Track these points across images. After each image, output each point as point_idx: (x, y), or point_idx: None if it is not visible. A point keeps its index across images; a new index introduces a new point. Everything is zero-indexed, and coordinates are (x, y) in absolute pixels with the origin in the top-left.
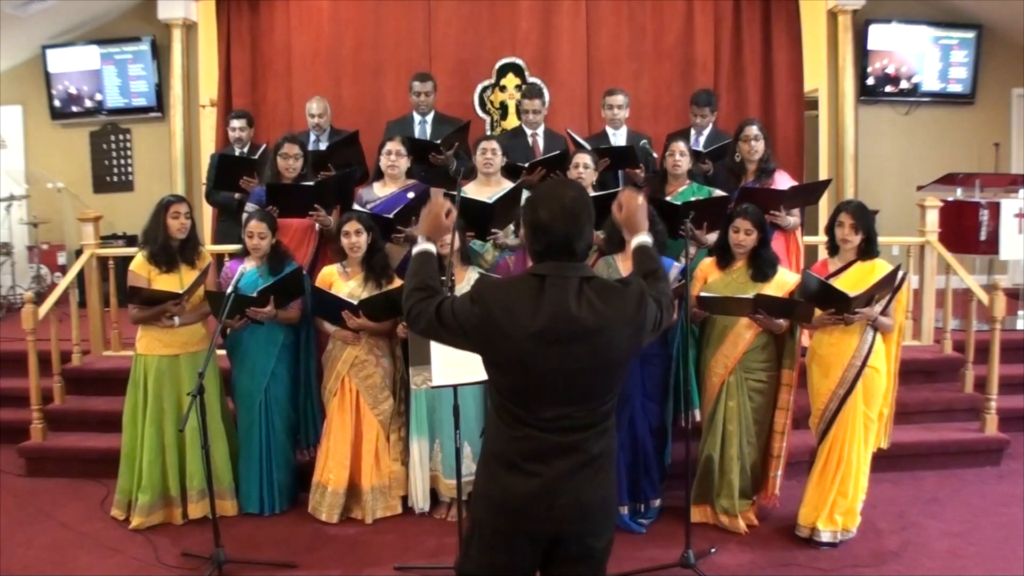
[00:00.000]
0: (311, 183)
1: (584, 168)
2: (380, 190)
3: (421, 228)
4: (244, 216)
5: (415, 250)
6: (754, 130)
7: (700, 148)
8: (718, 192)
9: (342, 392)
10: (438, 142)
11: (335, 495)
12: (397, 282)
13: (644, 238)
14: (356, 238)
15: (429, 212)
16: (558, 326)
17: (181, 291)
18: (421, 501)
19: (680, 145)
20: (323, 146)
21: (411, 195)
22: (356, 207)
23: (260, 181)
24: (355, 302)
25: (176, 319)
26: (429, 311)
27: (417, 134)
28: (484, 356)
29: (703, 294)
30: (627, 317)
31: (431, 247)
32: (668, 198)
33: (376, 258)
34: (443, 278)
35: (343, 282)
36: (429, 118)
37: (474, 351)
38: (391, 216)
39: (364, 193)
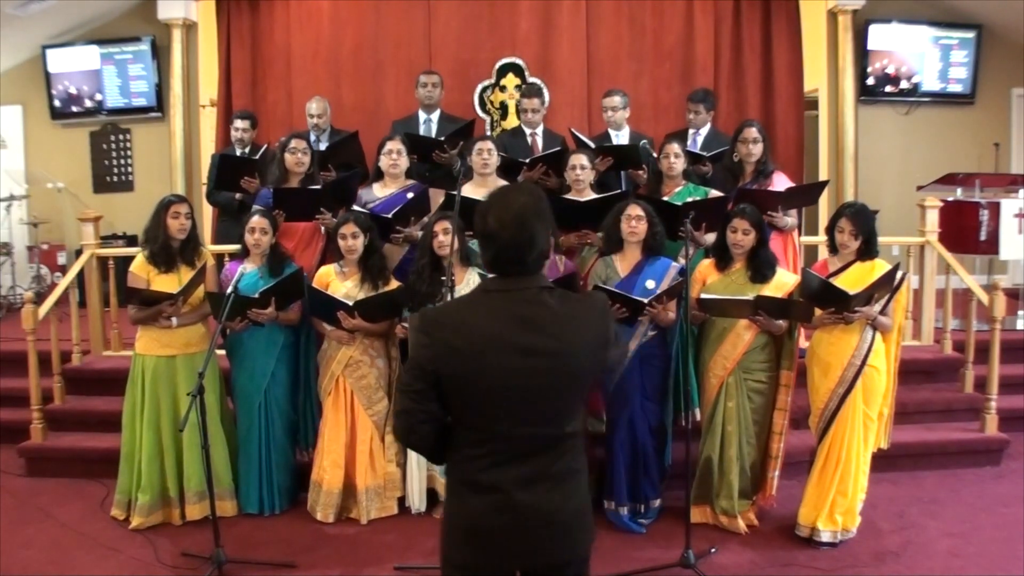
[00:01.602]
0: (317, 187)
1: (581, 168)
2: (380, 191)
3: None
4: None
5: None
6: (753, 132)
7: (697, 148)
8: (715, 192)
9: (336, 392)
10: (442, 139)
11: (329, 494)
12: (394, 283)
13: None
14: (352, 241)
15: None
16: (514, 335)
17: (177, 291)
18: (418, 502)
19: (674, 147)
20: (323, 146)
21: (410, 195)
22: (355, 207)
23: (262, 182)
24: (351, 303)
25: (173, 320)
26: (401, 402)
27: (423, 132)
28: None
29: (703, 296)
30: (591, 328)
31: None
32: (665, 199)
33: (373, 259)
34: (443, 278)
35: (340, 282)
36: (435, 116)
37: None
38: (389, 216)
39: (364, 194)
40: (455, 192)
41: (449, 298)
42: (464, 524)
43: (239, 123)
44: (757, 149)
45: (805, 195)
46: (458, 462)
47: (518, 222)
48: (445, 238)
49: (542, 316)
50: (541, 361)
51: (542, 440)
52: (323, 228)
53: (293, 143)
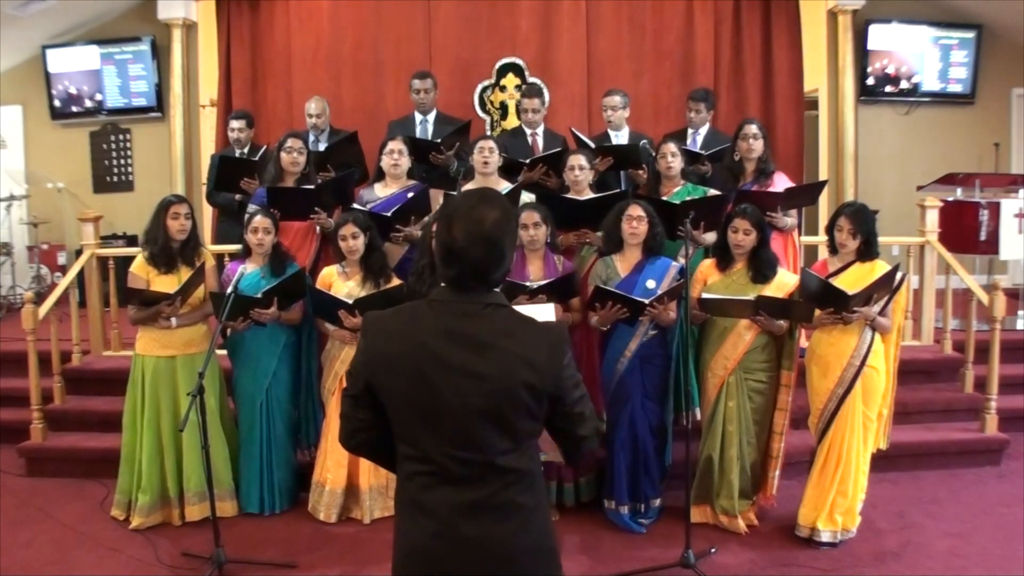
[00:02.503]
0: (311, 186)
1: (579, 169)
2: (381, 190)
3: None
4: (247, 215)
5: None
6: (753, 128)
7: (697, 148)
8: (713, 192)
9: (340, 391)
10: (439, 141)
11: (333, 494)
12: (395, 281)
13: None
14: (353, 242)
15: None
16: (447, 351)
17: (175, 291)
18: None
19: (671, 146)
20: (322, 147)
21: (411, 195)
22: (356, 207)
23: (261, 182)
24: (352, 302)
25: (172, 320)
26: (342, 407)
27: (419, 134)
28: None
29: (704, 296)
30: (535, 357)
31: None
32: (664, 199)
33: (374, 258)
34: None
35: (342, 282)
36: (431, 117)
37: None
38: (389, 215)
39: (365, 193)
40: (455, 193)
41: None
42: (406, 546)
43: (235, 123)
44: (758, 145)
45: (805, 195)
46: (402, 479)
47: (489, 240)
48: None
49: (481, 335)
50: (470, 383)
51: (473, 467)
52: (318, 228)
53: (289, 142)
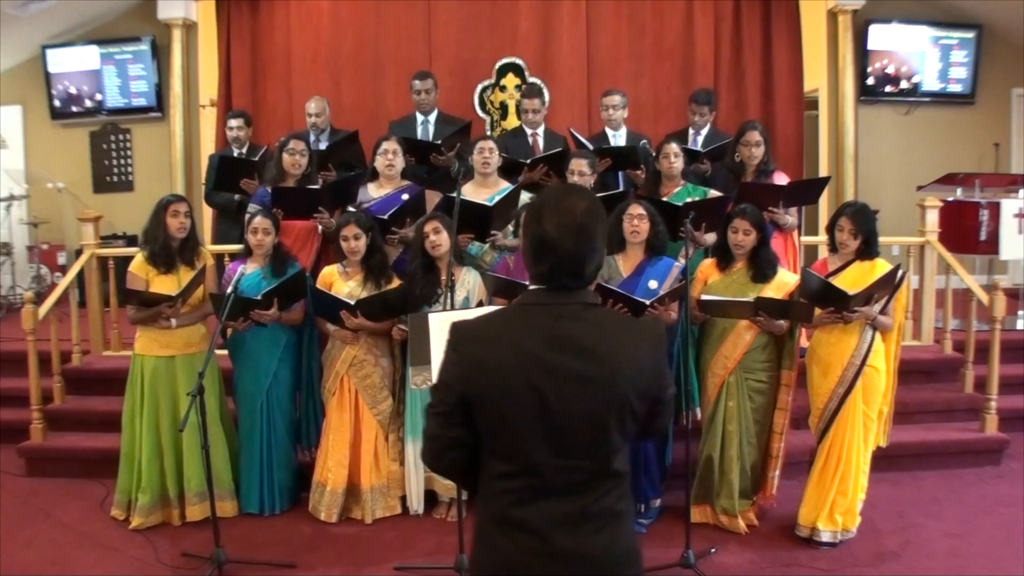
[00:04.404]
0: (316, 187)
1: (580, 175)
2: (375, 191)
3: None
4: (247, 215)
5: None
6: (756, 136)
7: (699, 147)
8: (713, 192)
9: (341, 391)
10: (439, 143)
11: (333, 494)
12: (396, 282)
13: None
14: (355, 242)
15: None
16: (550, 355)
17: (176, 293)
18: (416, 503)
19: (673, 147)
20: (322, 146)
21: (405, 196)
22: (351, 207)
23: (262, 182)
24: (353, 302)
25: (173, 321)
26: (429, 425)
27: (420, 134)
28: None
29: (704, 297)
30: (640, 354)
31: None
32: (664, 199)
33: (375, 258)
34: (443, 278)
35: (343, 282)
36: (432, 118)
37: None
38: (385, 217)
39: (359, 194)
40: (455, 194)
41: (449, 297)
42: (496, 563)
43: (232, 122)
44: (759, 152)
45: (807, 191)
46: (488, 496)
47: (581, 230)
48: (436, 237)
49: (584, 336)
50: (580, 388)
51: (581, 475)
52: (320, 228)
53: (292, 144)
